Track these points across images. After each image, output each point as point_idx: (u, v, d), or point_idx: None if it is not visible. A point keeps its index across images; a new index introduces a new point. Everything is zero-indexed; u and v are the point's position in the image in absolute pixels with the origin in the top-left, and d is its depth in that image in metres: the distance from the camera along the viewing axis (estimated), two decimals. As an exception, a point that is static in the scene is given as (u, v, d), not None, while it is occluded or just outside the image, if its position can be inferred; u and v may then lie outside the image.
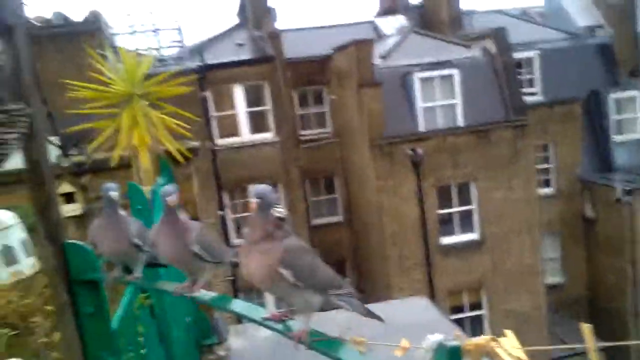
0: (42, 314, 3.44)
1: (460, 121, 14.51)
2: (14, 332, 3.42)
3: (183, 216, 1.66)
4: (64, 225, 1.93)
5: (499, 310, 14.59)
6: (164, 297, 3.34)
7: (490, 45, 14.99)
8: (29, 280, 3.36)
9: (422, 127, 14.37)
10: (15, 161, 1.90)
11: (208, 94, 14.94)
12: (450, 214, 14.55)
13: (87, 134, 4.50)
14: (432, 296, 13.63)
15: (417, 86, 14.34)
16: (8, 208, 3.75)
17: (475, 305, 14.77)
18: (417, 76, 14.32)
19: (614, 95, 16.58)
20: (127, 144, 3.78)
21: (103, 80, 3.89)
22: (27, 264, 1.75)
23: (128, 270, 1.99)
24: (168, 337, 3.14)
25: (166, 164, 4.23)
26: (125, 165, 4.18)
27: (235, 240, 14.58)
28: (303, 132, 17.14)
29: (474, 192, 14.56)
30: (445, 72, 14.42)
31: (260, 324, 1.37)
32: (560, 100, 16.38)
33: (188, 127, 4.39)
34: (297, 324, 1.35)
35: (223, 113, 15.54)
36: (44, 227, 1.85)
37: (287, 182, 15.07)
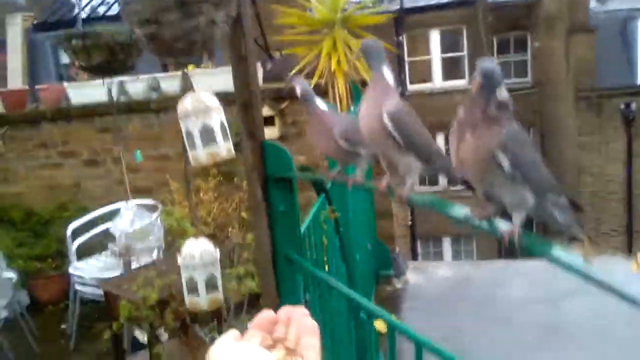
0: (236, 222, 3.74)
1: (690, 75, 12.55)
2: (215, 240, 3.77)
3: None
4: (263, 125, 2.03)
5: None
6: (349, 216, 3.40)
7: None
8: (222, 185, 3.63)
9: (640, 80, 12.72)
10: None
11: (403, 39, 14.73)
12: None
13: (287, 61, 4.69)
14: (631, 268, 12.33)
15: (639, 33, 12.62)
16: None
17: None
18: (641, 21, 12.58)
19: None
20: (325, 69, 3.85)
21: (306, 5, 3.98)
22: (224, 147, 1.83)
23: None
24: (350, 257, 3.22)
25: (359, 92, 4.26)
26: (322, 92, 4.27)
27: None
28: (499, 81, 16.16)
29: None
30: (678, 16, 12.46)
31: (464, 222, 1.27)
32: None
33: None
34: (505, 224, 1.23)
35: (417, 58, 15.26)
36: (245, 125, 1.95)
37: (478, 132, 14.48)
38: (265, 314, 0.71)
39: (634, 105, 12.27)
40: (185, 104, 1.82)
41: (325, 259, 2.60)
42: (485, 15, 14.37)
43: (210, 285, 2.16)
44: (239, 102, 1.92)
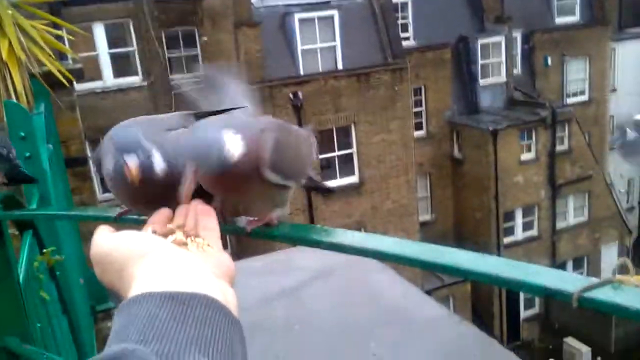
0: None
1: (340, 64, 14.23)
2: None
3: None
4: None
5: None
6: (62, 252, 2.58)
7: (368, -13, 14.75)
8: None
9: (302, 70, 13.90)
10: None
11: (63, 33, 13.19)
12: (331, 158, 14.41)
13: None
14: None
15: (297, 28, 13.76)
16: None
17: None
18: (297, 17, 13.72)
19: (481, 41, 17.19)
20: (-8, 60, 2.89)
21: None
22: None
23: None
24: (70, 304, 2.43)
25: (43, 88, 3.34)
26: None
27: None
28: (173, 77, 15.88)
29: (353, 135, 14.50)
30: (325, 13, 13.97)
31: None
32: (431, 45, 16.65)
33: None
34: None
35: (82, 55, 13.86)
36: None
37: (160, 131, 13.98)
38: (162, 210, 0.72)
39: (300, 94, 13.35)
40: None
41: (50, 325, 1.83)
42: (151, 9, 13.88)
43: None
44: None
